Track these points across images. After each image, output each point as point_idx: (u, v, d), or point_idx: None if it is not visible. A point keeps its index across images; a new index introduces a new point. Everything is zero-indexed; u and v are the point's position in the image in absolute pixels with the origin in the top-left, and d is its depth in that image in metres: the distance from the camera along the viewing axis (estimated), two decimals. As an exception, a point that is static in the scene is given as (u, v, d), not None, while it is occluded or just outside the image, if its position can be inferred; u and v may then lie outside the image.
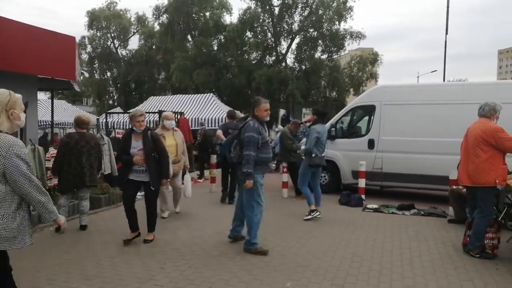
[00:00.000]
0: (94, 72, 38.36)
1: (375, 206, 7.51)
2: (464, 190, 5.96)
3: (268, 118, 4.99)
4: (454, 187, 6.52)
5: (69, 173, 5.75)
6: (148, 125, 10.18)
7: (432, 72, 52.31)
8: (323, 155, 6.71)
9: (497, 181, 4.56)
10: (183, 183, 6.94)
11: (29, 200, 2.65)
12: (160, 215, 6.29)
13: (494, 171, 4.59)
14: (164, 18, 30.00)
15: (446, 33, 21.87)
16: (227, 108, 18.01)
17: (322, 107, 21.02)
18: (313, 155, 6.55)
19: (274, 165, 14.61)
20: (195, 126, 15.43)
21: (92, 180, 5.95)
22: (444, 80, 22.11)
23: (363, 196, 8.01)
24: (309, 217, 6.51)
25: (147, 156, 5.10)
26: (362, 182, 8.14)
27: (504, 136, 4.57)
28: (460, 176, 4.97)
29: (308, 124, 6.40)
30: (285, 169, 8.96)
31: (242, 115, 12.64)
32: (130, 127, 5.38)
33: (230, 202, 7.76)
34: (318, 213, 6.58)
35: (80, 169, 5.76)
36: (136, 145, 5.17)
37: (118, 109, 24.54)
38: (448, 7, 21.68)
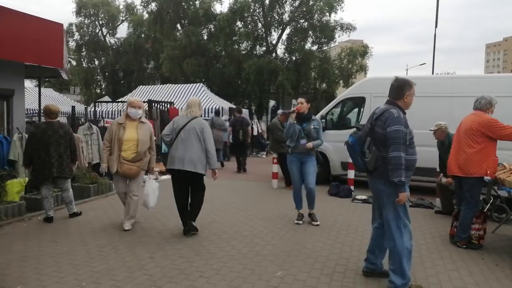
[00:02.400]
0: (82, 60, 37.65)
1: (364, 197, 7.58)
2: (445, 179, 6.09)
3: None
4: (438, 179, 6.61)
5: (38, 164, 5.56)
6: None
7: (421, 65, 52.97)
8: None
9: (488, 172, 4.64)
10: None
11: (209, 152, 5.06)
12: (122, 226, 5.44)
13: (486, 162, 4.66)
14: (153, 6, 29.54)
15: (436, 27, 22.02)
16: (217, 98, 17.99)
17: (312, 99, 21.05)
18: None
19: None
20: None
21: (61, 171, 5.67)
22: (433, 73, 22.27)
23: (352, 187, 8.09)
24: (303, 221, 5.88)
25: None
26: (351, 174, 8.21)
27: (500, 126, 4.62)
28: (450, 166, 5.01)
29: (294, 115, 5.61)
30: (275, 160, 8.97)
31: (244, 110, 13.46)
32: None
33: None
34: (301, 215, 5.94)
35: (48, 160, 5.54)
36: None
37: (107, 98, 24.28)
38: (438, 0, 21.76)
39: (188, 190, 5.20)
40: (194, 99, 5.35)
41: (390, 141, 3.38)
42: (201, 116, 5.26)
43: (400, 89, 3.67)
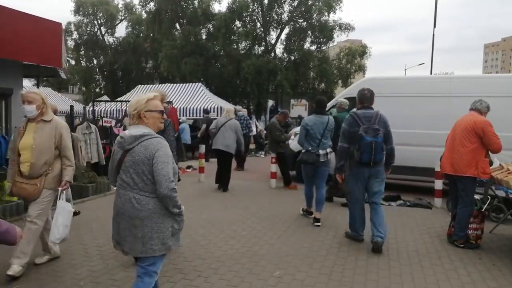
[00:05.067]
0: (80, 59, 37.59)
1: (362, 197, 7.58)
2: None
3: None
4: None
5: None
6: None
7: (419, 65, 52.85)
8: (316, 151, 5.73)
9: (477, 172, 4.68)
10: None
11: (240, 140, 8.24)
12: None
13: (478, 161, 4.70)
14: (151, 5, 29.51)
15: (434, 27, 22.00)
16: (215, 98, 17.97)
17: (311, 99, 20.98)
18: (303, 151, 5.84)
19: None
20: (183, 116, 15.34)
21: None
22: (431, 73, 22.29)
23: (350, 187, 8.08)
24: (302, 213, 6.28)
25: None
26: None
27: (493, 131, 4.69)
28: (443, 165, 5.05)
29: None
30: (273, 160, 8.98)
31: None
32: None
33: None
34: (313, 219, 5.75)
35: None
36: None
37: (105, 98, 24.23)
38: (436, 0, 21.77)
39: (223, 163, 8.24)
40: (230, 108, 8.77)
41: (390, 135, 4.86)
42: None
43: (372, 96, 5.03)
